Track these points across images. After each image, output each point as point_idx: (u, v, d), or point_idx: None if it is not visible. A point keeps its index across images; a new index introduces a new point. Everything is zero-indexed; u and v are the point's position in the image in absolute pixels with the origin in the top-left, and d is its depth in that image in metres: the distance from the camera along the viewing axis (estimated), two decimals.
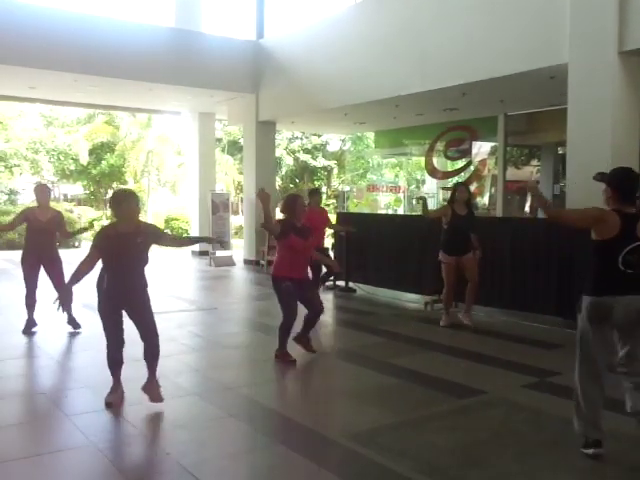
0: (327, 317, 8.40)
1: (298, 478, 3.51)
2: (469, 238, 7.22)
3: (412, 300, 9.17)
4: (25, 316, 6.77)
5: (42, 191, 6.77)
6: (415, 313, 8.45)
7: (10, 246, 17.13)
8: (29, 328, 6.73)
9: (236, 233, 18.62)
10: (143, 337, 4.50)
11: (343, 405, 4.75)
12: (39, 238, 6.59)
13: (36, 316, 6.81)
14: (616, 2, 6.88)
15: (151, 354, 4.52)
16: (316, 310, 5.84)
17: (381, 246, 9.44)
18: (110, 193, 25.52)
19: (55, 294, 6.71)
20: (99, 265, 4.40)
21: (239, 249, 14.59)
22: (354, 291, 9.92)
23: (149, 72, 11.91)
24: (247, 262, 13.91)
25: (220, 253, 14.03)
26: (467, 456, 3.68)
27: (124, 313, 4.49)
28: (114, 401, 4.45)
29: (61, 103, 17.11)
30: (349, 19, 11.30)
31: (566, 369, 5.47)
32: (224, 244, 4.63)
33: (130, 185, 25.08)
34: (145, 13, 27.55)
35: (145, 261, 4.45)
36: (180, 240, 4.58)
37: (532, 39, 7.98)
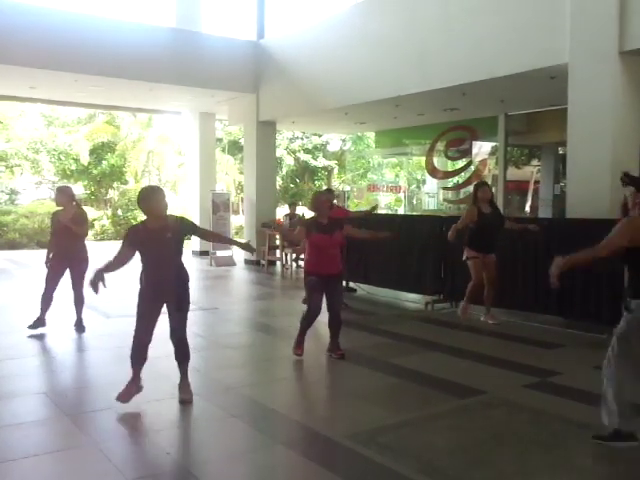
0: (327, 317, 8.40)
1: (299, 478, 3.51)
2: (495, 237, 7.24)
3: (413, 300, 9.18)
4: (29, 313, 6.75)
5: (58, 192, 6.79)
6: (416, 313, 8.45)
7: (11, 246, 17.17)
8: (36, 326, 6.67)
9: (236, 233, 18.62)
10: (171, 334, 4.56)
11: (344, 405, 4.75)
12: (61, 239, 6.61)
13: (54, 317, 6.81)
14: (616, 2, 6.89)
15: (180, 354, 4.63)
16: (332, 313, 5.87)
17: (382, 246, 9.41)
18: (110, 193, 25.54)
19: (71, 293, 6.78)
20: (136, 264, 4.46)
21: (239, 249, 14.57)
22: (354, 291, 9.92)
23: (150, 72, 11.91)
24: (247, 262, 13.92)
25: (220, 253, 14.05)
26: (467, 456, 3.68)
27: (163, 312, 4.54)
28: (126, 395, 4.41)
29: (62, 103, 17.11)
30: (350, 19, 11.30)
31: (567, 369, 5.49)
32: (253, 251, 4.86)
33: (131, 185, 25.05)
34: (146, 13, 27.53)
35: (179, 253, 4.51)
36: (215, 235, 4.75)
37: (532, 39, 7.98)
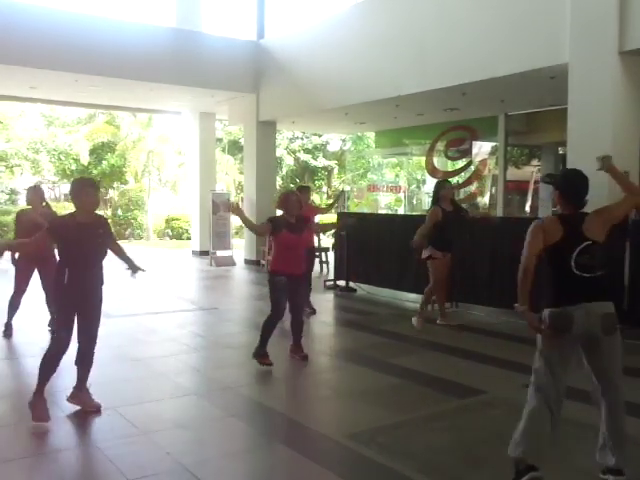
0: (327, 317, 8.42)
1: (298, 478, 3.51)
2: (454, 235, 7.17)
3: (412, 300, 9.16)
4: (28, 313, 6.71)
5: (34, 192, 6.62)
6: (415, 313, 8.43)
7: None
8: (8, 331, 6.60)
9: (237, 233, 18.62)
10: (82, 339, 4.29)
11: (343, 405, 4.75)
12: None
13: (30, 318, 6.76)
14: (616, 2, 6.88)
15: (87, 360, 4.35)
16: (295, 315, 5.76)
17: (381, 246, 9.44)
18: (110, 193, 25.53)
19: (43, 295, 6.68)
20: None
21: (239, 249, 14.60)
22: (354, 291, 9.92)
23: (150, 72, 11.92)
24: (247, 262, 13.92)
25: (221, 253, 14.06)
26: (467, 456, 3.68)
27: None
28: (46, 416, 4.08)
29: (62, 103, 17.13)
30: (349, 19, 11.30)
31: None
32: (138, 271, 4.60)
33: (131, 185, 25.04)
34: (146, 13, 27.55)
35: (105, 253, 4.29)
36: (119, 248, 4.44)
37: (532, 39, 7.98)
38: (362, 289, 9.81)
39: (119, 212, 24.05)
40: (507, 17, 8.32)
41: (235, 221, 17.96)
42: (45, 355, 4.18)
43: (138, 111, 20.00)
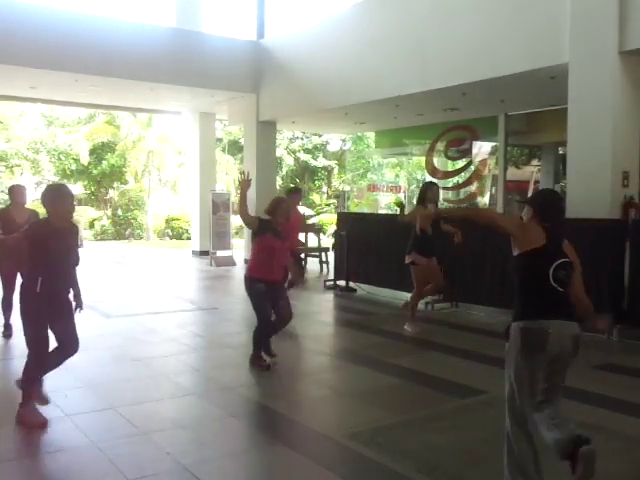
0: (327, 317, 8.43)
1: (298, 477, 3.51)
2: (437, 237, 7.03)
3: None
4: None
5: (19, 191, 6.54)
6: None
7: None
8: (8, 335, 6.63)
9: (236, 233, 18.62)
10: (66, 344, 4.23)
11: (343, 405, 4.75)
12: None
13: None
14: (616, 2, 6.89)
15: (61, 360, 4.28)
16: (283, 318, 5.73)
17: (381, 246, 9.44)
18: (110, 193, 25.53)
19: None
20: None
21: (239, 249, 14.60)
22: (354, 291, 9.92)
23: (150, 72, 11.92)
24: (247, 262, 13.89)
25: (220, 253, 14.06)
26: (467, 456, 3.68)
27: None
28: (41, 419, 4.10)
29: (62, 103, 17.15)
30: (350, 19, 11.30)
31: None
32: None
33: (131, 185, 25.04)
34: (146, 13, 27.58)
35: (79, 261, 4.26)
36: (78, 261, 4.36)
37: (532, 39, 7.98)
38: (362, 289, 9.81)
39: (119, 212, 24.05)
40: (507, 17, 8.33)
41: (235, 221, 17.99)
42: (27, 367, 4.16)
43: (138, 111, 20.01)
